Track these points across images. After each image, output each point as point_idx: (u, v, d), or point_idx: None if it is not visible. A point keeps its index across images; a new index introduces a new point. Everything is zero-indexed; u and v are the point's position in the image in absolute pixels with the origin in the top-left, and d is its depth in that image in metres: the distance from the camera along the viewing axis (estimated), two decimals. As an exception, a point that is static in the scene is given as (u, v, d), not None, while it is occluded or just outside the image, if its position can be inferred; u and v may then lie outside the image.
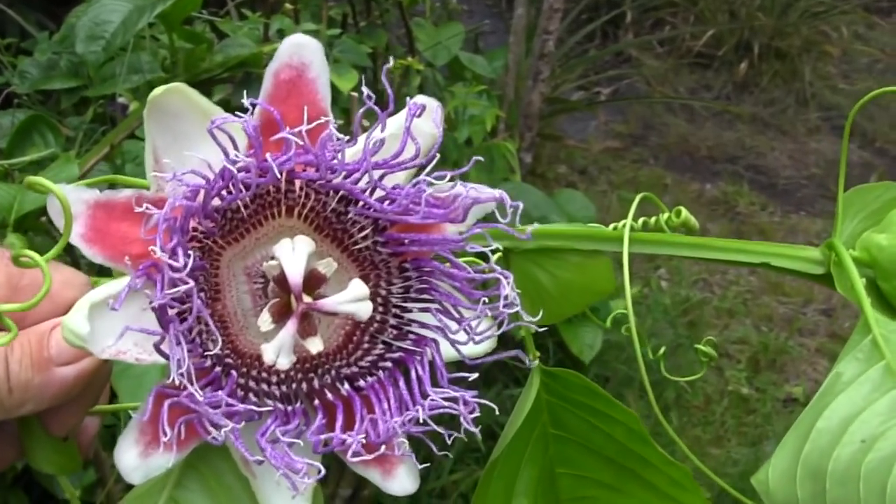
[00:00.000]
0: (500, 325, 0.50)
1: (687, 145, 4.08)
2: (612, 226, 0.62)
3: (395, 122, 0.49)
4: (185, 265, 0.43)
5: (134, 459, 0.46)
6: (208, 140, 0.46)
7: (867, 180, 3.77)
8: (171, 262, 0.43)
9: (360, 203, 0.48)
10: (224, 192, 0.45)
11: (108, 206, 0.46)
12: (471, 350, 0.52)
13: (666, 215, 0.63)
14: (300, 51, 0.48)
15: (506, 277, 0.49)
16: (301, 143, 0.46)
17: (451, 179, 0.49)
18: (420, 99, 0.49)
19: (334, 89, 1.56)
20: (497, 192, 0.49)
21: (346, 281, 0.48)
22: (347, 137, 0.48)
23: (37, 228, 1.51)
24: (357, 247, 0.50)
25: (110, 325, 0.44)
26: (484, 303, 0.50)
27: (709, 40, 4.60)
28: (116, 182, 0.60)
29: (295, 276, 0.46)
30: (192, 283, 0.44)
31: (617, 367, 2.23)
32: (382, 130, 0.47)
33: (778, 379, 2.66)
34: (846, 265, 0.52)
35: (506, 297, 0.49)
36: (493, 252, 0.49)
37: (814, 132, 4.22)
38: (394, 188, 0.48)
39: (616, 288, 2.08)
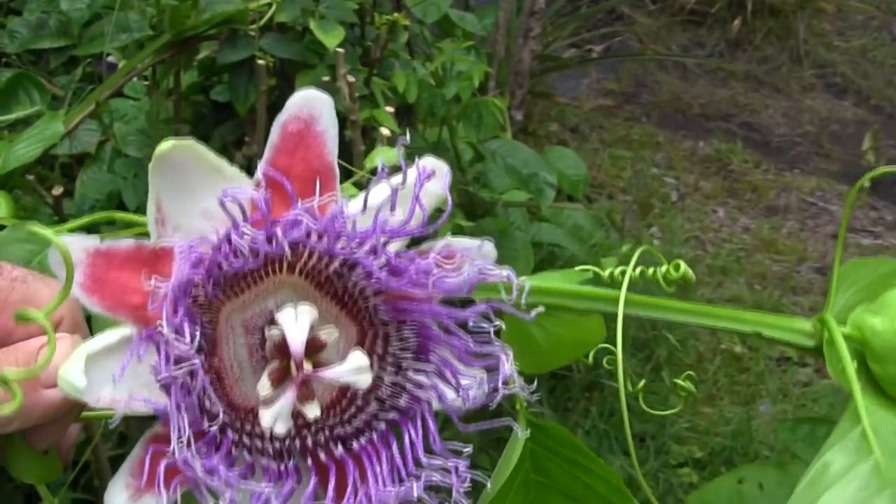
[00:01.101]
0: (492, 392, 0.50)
1: (680, 103, 4.05)
2: (608, 271, 0.61)
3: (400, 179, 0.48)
4: (192, 340, 0.43)
5: (124, 502, 0.46)
6: (214, 189, 0.45)
7: (862, 138, 3.75)
8: (177, 341, 0.43)
9: (366, 271, 0.47)
10: (231, 258, 0.45)
11: (109, 255, 0.45)
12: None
13: (664, 268, 0.62)
14: (310, 103, 0.48)
15: (506, 355, 0.49)
16: (313, 223, 0.46)
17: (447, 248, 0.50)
18: (429, 163, 0.48)
19: (320, 45, 1.53)
20: (505, 272, 0.48)
21: (345, 340, 0.49)
22: (357, 211, 0.47)
23: (23, 187, 1.49)
24: (357, 306, 0.50)
25: (106, 374, 0.44)
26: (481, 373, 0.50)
27: (702, -3, 4.56)
28: (115, 219, 0.59)
29: (297, 345, 0.46)
30: (198, 361, 0.44)
31: (608, 326, 2.22)
32: (393, 210, 0.47)
33: (771, 337, 2.65)
34: (838, 347, 0.51)
35: (504, 374, 0.49)
36: (497, 332, 0.49)
37: (808, 90, 4.19)
38: (401, 259, 0.48)
39: (607, 245, 2.04)
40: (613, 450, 2.06)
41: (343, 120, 1.53)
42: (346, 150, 1.51)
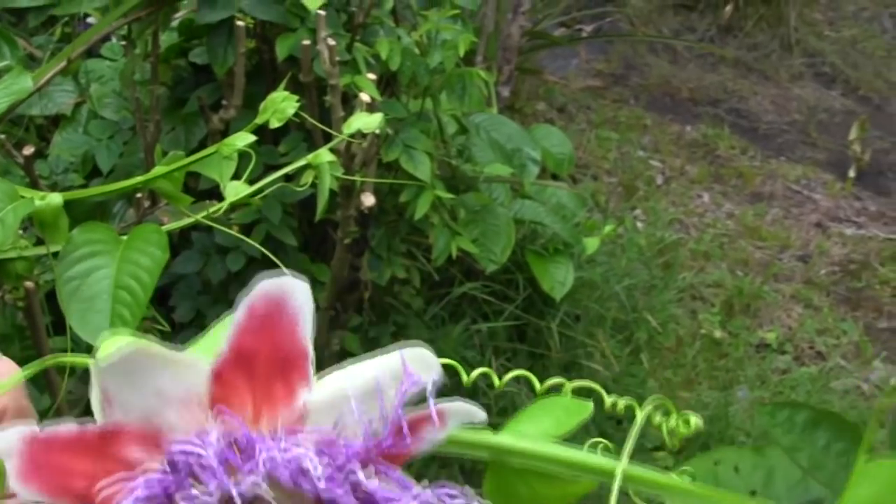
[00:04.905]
0: None
1: (668, 87, 4.02)
2: (612, 401, 0.52)
3: (385, 364, 0.42)
4: None
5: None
6: (167, 373, 0.40)
7: (849, 128, 3.73)
8: None
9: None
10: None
11: (49, 442, 0.41)
12: None
13: (672, 421, 0.50)
14: (283, 284, 0.42)
15: None
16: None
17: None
18: (416, 357, 0.40)
19: (302, 8, 1.49)
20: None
21: None
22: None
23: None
24: None
25: None
26: None
27: (695, -19, 4.52)
28: (62, 364, 0.54)
29: None
30: None
31: (588, 306, 2.20)
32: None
33: (751, 324, 2.64)
34: None
35: None
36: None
37: (797, 78, 4.17)
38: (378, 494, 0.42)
39: (589, 224, 2.00)
40: (590, 430, 2.04)
41: (323, 85, 1.50)
42: (325, 114, 1.47)
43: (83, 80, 1.89)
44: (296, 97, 1.12)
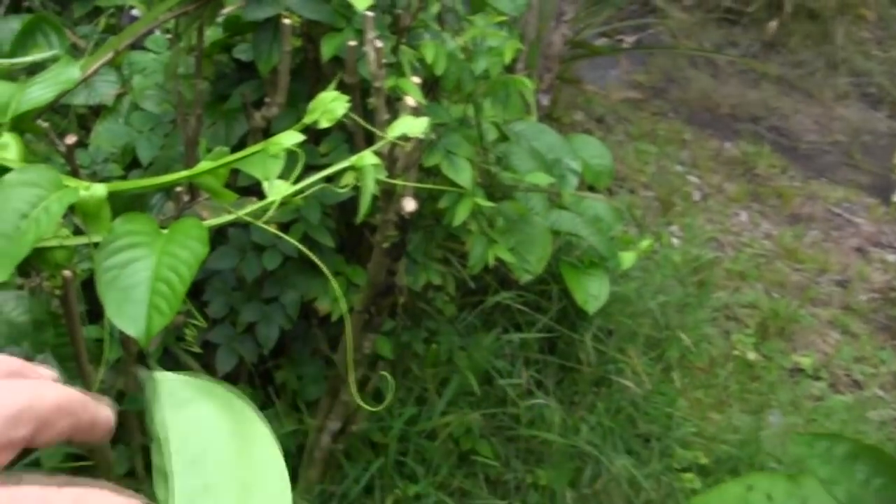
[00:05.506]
0: None
1: (709, 101, 3.97)
2: None
3: None
4: None
5: None
6: None
7: (893, 151, 3.67)
8: None
9: None
10: None
11: None
12: None
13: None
14: None
15: None
16: None
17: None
18: None
19: (348, 8, 1.47)
20: None
21: None
22: None
23: (36, 132, 1.44)
24: None
25: None
26: None
27: (739, -5, 4.47)
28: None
29: None
30: None
31: (621, 321, 2.16)
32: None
33: (786, 347, 2.59)
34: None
35: None
36: None
37: (842, 98, 4.11)
38: None
39: (625, 238, 1.98)
40: (617, 448, 2.01)
41: (366, 87, 1.48)
42: (367, 117, 1.45)
43: (126, 72, 1.89)
44: (346, 97, 1.10)
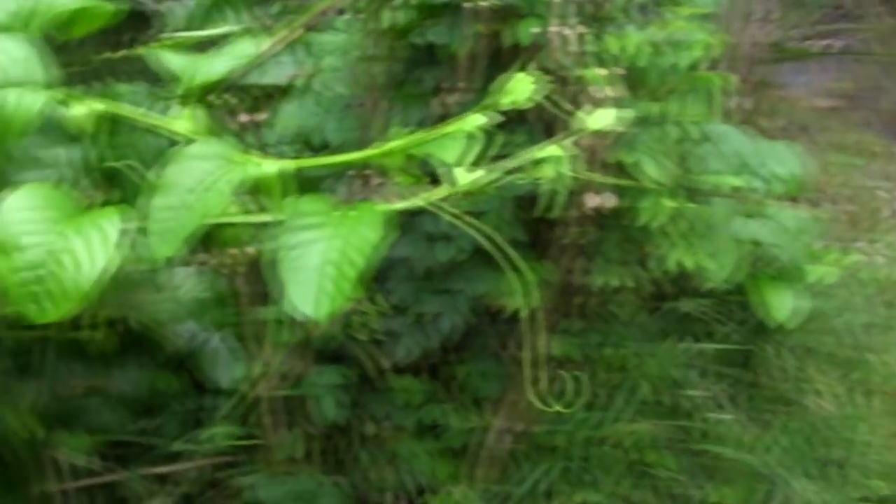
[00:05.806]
0: None
1: (904, 113, 3.74)
2: None
3: None
4: None
5: None
6: None
7: None
8: None
9: None
10: None
11: None
12: None
13: None
14: None
15: None
16: None
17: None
18: None
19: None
20: None
21: None
22: None
23: (213, 107, 1.44)
24: None
25: None
26: None
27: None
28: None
29: None
30: None
31: (817, 339, 2.04)
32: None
33: None
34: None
35: None
36: None
37: None
38: None
39: (819, 252, 1.83)
40: (794, 470, 1.90)
41: (562, 78, 1.42)
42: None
43: (311, 53, 1.89)
44: (547, 79, 1.06)
